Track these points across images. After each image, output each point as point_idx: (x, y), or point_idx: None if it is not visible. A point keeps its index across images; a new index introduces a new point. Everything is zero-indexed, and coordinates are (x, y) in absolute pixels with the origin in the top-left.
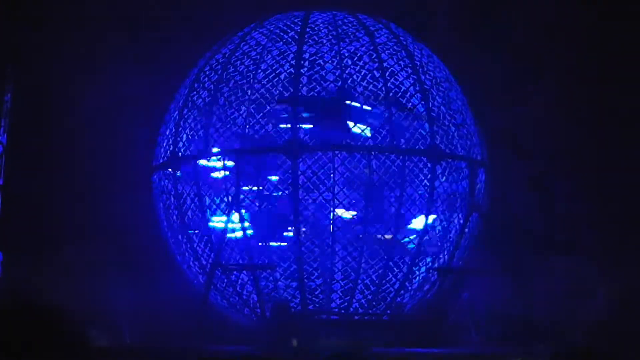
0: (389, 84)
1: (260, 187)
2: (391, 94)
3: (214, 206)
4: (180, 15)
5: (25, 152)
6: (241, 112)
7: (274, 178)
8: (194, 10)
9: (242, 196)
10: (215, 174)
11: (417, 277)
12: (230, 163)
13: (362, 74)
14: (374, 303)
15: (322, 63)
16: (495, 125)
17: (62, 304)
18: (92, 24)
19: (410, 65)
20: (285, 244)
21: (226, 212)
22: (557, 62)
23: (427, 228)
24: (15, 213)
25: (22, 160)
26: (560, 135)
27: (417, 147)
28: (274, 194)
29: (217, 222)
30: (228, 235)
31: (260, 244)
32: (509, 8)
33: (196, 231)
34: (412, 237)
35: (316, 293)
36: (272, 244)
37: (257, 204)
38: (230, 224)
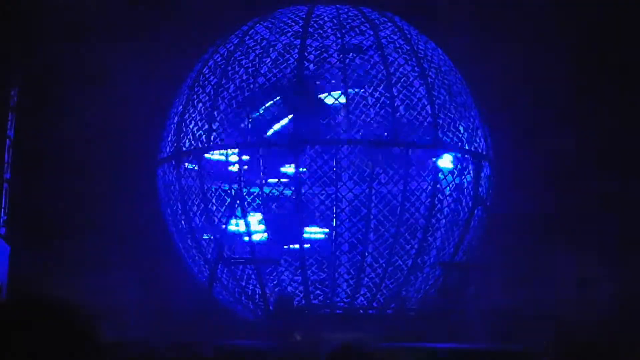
0: (393, 78)
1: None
2: (395, 86)
3: (215, 199)
4: (185, 8)
5: (32, 147)
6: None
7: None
8: (201, 3)
9: (247, 198)
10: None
11: (422, 272)
12: (233, 158)
13: (367, 68)
14: (378, 297)
15: (326, 57)
16: (500, 118)
17: (68, 298)
18: (97, 16)
19: (414, 58)
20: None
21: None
22: (564, 57)
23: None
24: (22, 207)
25: (29, 155)
26: (565, 130)
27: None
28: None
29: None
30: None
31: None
32: (516, 3)
33: (216, 236)
34: None
35: (320, 287)
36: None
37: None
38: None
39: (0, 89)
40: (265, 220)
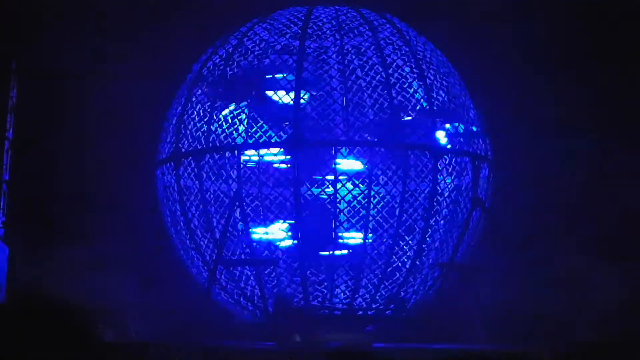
0: (391, 80)
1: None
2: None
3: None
4: (184, 9)
5: (31, 148)
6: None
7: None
8: (200, 4)
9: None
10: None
11: (421, 273)
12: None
13: (365, 69)
14: (377, 297)
15: (325, 58)
16: (499, 120)
17: (68, 299)
18: (96, 17)
19: (413, 60)
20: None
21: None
22: (564, 59)
23: None
24: (22, 208)
25: (29, 155)
26: (565, 130)
27: (419, 141)
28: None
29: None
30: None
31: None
32: (514, 5)
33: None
34: None
35: (319, 288)
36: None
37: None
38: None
39: (0, 89)
40: (295, 227)
